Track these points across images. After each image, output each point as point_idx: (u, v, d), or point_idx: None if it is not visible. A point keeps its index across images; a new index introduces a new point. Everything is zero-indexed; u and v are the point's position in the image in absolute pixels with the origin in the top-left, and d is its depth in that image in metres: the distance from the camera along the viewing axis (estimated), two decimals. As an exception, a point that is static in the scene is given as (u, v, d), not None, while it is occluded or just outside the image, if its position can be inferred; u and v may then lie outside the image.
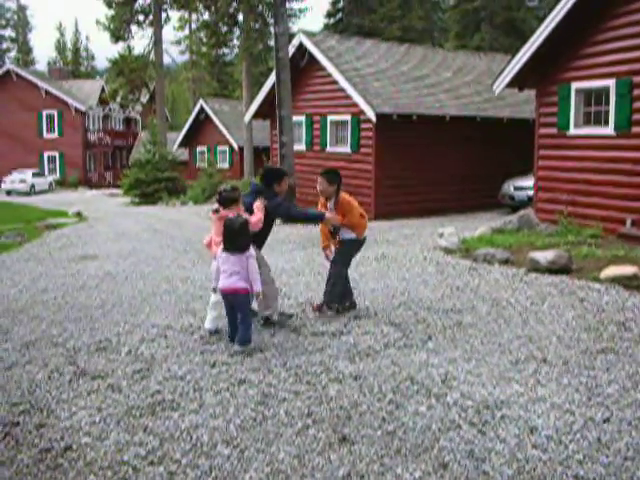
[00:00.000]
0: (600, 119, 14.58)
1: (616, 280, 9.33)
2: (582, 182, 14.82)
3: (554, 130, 15.52)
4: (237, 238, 7.16)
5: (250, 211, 7.74)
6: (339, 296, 8.50)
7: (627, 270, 9.33)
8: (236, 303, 7.30)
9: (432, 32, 57.55)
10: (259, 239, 7.97)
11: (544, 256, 10.28)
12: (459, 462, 4.58)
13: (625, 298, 8.66)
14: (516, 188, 19.73)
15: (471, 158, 21.76)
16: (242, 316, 7.27)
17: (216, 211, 7.77)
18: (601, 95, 14.46)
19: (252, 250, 7.28)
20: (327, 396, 5.83)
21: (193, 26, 54.74)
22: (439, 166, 21.23)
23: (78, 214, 26.19)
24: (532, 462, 4.53)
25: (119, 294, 10.45)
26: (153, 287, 10.85)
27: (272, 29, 19.07)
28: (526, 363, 6.39)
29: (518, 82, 16.37)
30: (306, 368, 6.55)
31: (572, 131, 15.04)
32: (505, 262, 11.10)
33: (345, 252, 8.54)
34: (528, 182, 17.79)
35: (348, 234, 8.41)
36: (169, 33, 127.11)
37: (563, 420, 5.12)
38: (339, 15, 51.20)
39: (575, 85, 14.92)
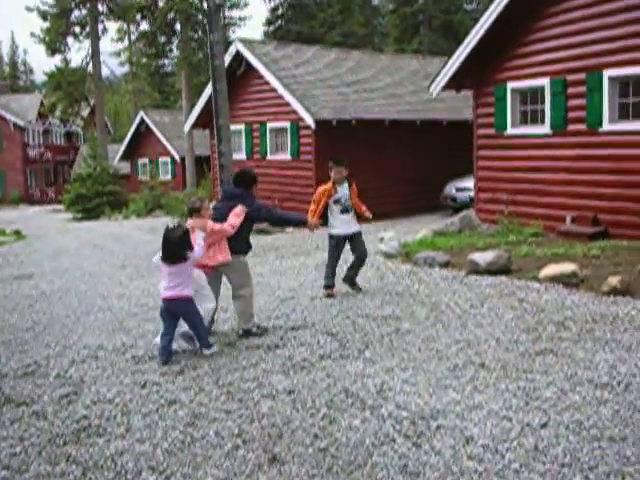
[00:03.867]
0: (537, 118, 14.61)
1: (555, 279, 9.26)
2: (521, 181, 14.84)
3: (492, 130, 15.53)
4: (175, 248, 7.07)
5: (224, 217, 7.70)
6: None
7: (566, 268, 9.27)
8: (182, 312, 7.25)
9: (373, 37, 57.66)
10: (241, 245, 7.87)
11: (483, 257, 10.18)
12: (392, 478, 4.38)
13: (564, 296, 8.59)
14: (458, 189, 19.74)
15: (413, 161, 21.74)
16: (192, 321, 7.25)
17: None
18: (537, 94, 14.50)
19: (194, 256, 7.22)
20: (259, 413, 5.60)
21: (133, 37, 54.32)
22: (381, 170, 21.14)
23: (16, 232, 25.54)
24: (467, 474, 4.35)
25: (52, 314, 10.11)
26: (88, 305, 10.51)
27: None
28: (464, 369, 6.23)
29: (455, 84, 16.35)
30: (239, 385, 6.32)
31: (509, 131, 15.06)
32: (445, 265, 10.98)
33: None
34: (469, 183, 17.79)
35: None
36: (108, 45, 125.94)
37: (500, 427, 4.96)
38: (278, 22, 51.00)
39: (511, 85, 14.95)
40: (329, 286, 9.73)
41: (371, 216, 9.87)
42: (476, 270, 10.19)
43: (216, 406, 5.87)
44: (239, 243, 7.81)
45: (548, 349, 6.61)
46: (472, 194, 17.03)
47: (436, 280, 10.08)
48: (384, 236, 12.99)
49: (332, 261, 9.73)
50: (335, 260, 9.75)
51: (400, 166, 21.52)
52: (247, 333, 7.92)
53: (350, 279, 9.85)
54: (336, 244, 9.69)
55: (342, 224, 9.56)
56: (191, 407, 5.89)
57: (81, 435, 5.49)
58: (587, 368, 6.02)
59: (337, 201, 9.48)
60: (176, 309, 7.24)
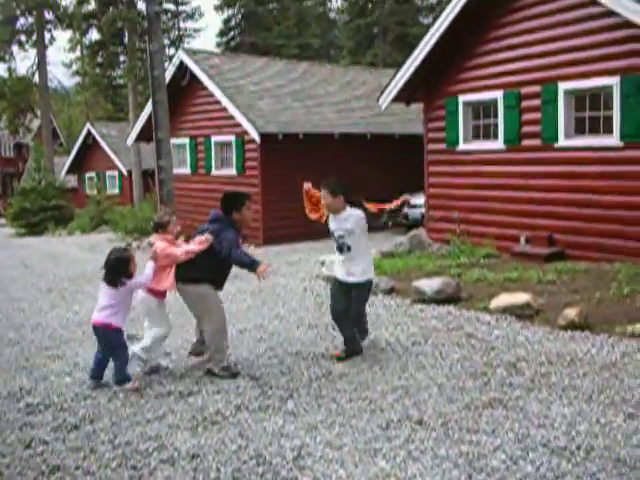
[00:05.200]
0: (489, 133, 13.88)
1: (507, 310, 8.43)
2: (474, 199, 14.09)
3: (443, 145, 14.78)
4: (110, 271, 6.74)
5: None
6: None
7: (519, 299, 8.44)
8: (106, 339, 6.82)
9: (329, 50, 57.06)
10: (198, 273, 6.86)
11: (430, 285, 9.32)
12: None
13: (517, 331, 7.75)
14: (410, 206, 18.95)
15: (364, 176, 20.83)
16: (114, 353, 6.83)
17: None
18: (490, 108, 13.77)
19: (132, 284, 6.81)
20: (152, 486, 4.65)
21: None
22: (331, 186, 20.25)
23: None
24: None
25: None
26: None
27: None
28: (399, 427, 5.32)
29: (405, 96, 15.57)
30: (137, 445, 5.36)
31: (461, 146, 14.30)
32: (389, 292, 10.11)
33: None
34: (421, 200, 17.00)
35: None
36: (60, 55, 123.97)
37: (435, 512, 4.07)
38: (232, 33, 50.12)
39: (463, 98, 14.21)
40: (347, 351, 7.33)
41: None
42: (422, 299, 9.35)
43: (104, 475, 4.92)
44: (196, 271, 6.82)
45: (497, 400, 5.73)
46: (424, 211, 16.25)
47: (378, 310, 9.18)
48: (325, 259, 12.07)
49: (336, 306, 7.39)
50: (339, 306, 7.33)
51: (350, 181, 20.48)
52: (209, 372, 7.02)
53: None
54: (334, 288, 7.47)
55: (339, 267, 7.36)
56: (75, 476, 4.93)
57: None
58: (542, 426, 5.15)
59: (331, 233, 7.36)
60: (100, 336, 6.85)
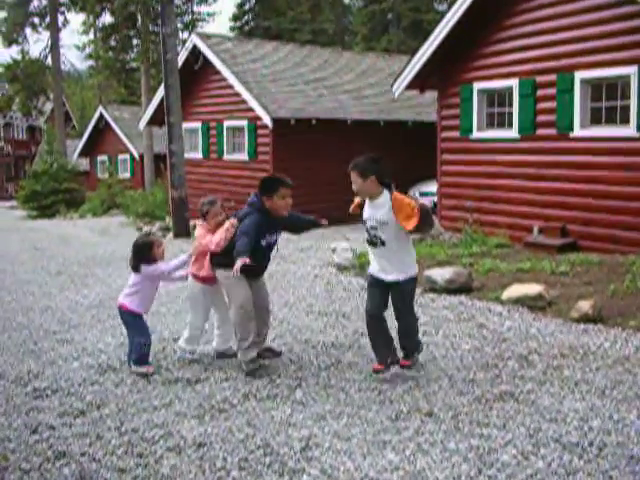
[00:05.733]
0: (504, 121, 13.73)
1: (520, 301, 8.33)
2: (487, 188, 13.97)
3: (457, 133, 14.63)
4: (133, 255, 6.89)
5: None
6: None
7: (531, 289, 8.34)
8: (121, 319, 7.05)
9: (343, 35, 56.70)
10: (224, 258, 6.39)
11: (441, 274, 9.22)
12: None
13: (529, 323, 7.65)
14: (422, 194, 18.84)
15: (376, 164, 20.78)
16: (128, 333, 7.02)
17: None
18: (505, 96, 13.62)
19: (150, 270, 6.81)
20: (157, 474, 4.60)
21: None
22: (342, 172, 20.00)
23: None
24: None
25: (-39, 332, 9.02)
26: (5, 321, 9.43)
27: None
28: (408, 418, 5.25)
29: (419, 83, 15.42)
30: (143, 433, 5.30)
31: (475, 134, 14.16)
32: (401, 281, 10.00)
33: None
34: (434, 187, 16.87)
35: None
36: (74, 37, 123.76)
37: (444, 507, 4.00)
38: (245, 18, 49.89)
39: (477, 86, 14.06)
40: (382, 361, 6.17)
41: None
42: (433, 288, 9.25)
43: (110, 462, 4.86)
44: (224, 256, 6.41)
45: (508, 393, 5.65)
46: (436, 199, 16.13)
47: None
48: (336, 246, 11.99)
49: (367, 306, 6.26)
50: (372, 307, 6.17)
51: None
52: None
53: (403, 349, 6.37)
54: (369, 284, 6.34)
55: (373, 260, 6.27)
56: (81, 462, 4.87)
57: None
58: (553, 420, 5.07)
59: (364, 222, 6.18)
60: (121, 316, 7.02)
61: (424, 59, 14.60)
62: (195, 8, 47.81)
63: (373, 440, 4.90)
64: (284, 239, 16.70)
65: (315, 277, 10.86)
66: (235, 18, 50.44)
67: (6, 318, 9.61)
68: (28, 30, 40.42)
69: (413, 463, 4.53)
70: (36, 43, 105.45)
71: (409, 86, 15.42)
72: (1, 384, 6.72)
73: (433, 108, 18.83)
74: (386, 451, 4.72)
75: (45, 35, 40.61)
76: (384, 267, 6.05)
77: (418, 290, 9.33)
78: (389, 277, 6.03)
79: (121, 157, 37.35)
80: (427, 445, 4.78)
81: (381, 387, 5.93)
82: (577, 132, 12.07)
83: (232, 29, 50.43)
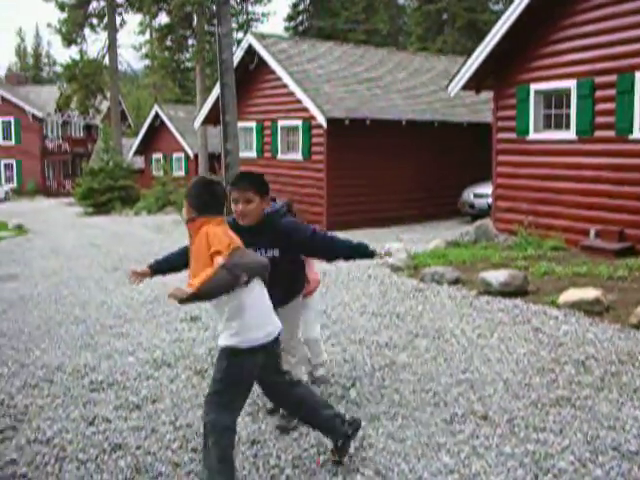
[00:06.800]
0: (561, 123, 13.54)
1: (576, 305, 8.20)
2: (543, 190, 13.78)
3: (513, 135, 14.47)
4: None
5: None
6: None
7: (588, 294, 8.21)
8: None
9: (397, 36, 56.55)
10: None
11: (496, 277, 9.12)
12: None
13: (586, 328, 7.52)
14: (476, 195, 18.71)
15: (430, 163, 20.68)
16: None
17: None
18: (562, 97, 13.43)
19: None
20: (213, 471, 4.63)
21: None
22: (396, 172, 20.10)
23: (19, 227, 24.76)
24: None
25: (23, 323, 9.28)
26: (63, 314, 9.64)
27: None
28: (463, 421, 5.21)
29: (474, 84, 15.30)
30: (198, 427, 5.33)
31: (532, 135, 13.99)
32: (455, 282, 9.93)
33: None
34: (488, 189, 16.72)
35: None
36: (130, 37, 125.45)
37: (500, 512, 3.96)
38: (300, 18, 50.06)
39: (534, 86, 13.88)
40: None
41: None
42: (488, 291, 9.15)
43: (165, 456, 4.93)
44: None
45: (565, 398, 5.57)
46: (490, 201, 15.98)
47: (443, 301, 9.03)
48: (391, 246, 11.93)
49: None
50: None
51: (416, 168, 20.46)
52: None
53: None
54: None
55: None
56: (136, 455, 4.96)
57: (3, 486, 4.60)
58: (611, 428, 4.98)
59: None
60: None
61: (480, 60, 14.48)
62: (250, 8, 48.16)
63: (427, 442, 4.88)
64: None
65: (369, 277, 10.84)
66: (289, 18, 50.67)
67: (64, 312, 9.82)
68: (87, 31, 41.15)
69: (468, 467, 4.50)
70: (94, 43, 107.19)
71: (465, 87, 15.32)
72: (59, 376, 6.86)
73: (488, 107, 18.70)
74: (441, 454, 4.69)
75: (103, 35, 41.39)
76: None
77: (473, 292, 9.31)
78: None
79: (176, 155, 37.81)
80: (482, 449, 4.74)
81: (436, 389, 5.90)
82: (637, 134, 11.84)
83: (286, 29, 50.67)
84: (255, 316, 4.25)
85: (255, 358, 4.25)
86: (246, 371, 4.25)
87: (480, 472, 4.41)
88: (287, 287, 5.16)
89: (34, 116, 54.80)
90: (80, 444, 5.21)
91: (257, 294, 4.30)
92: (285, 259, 4.98)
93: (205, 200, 4.22)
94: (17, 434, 5.47)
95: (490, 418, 5.25)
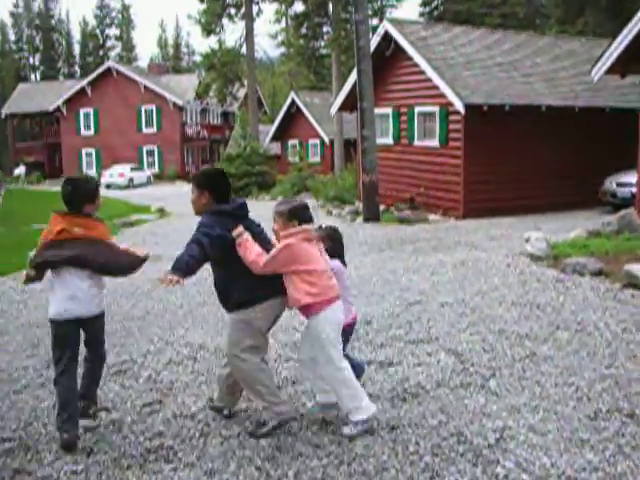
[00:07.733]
0: None
1: None
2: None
3: (661, 121, 13.85)
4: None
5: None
6: None
7: None
8: None
9: (534, 19, 54.90)
10: None
11: (642, 270, 8.80)
12: None
13: None
14: (619, 184, 18.00)
15: (570, 151, 20.04)
16: None
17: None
18: None
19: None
20: (351, 453, 4.72)
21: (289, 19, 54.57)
22: (534, 160, 19.59)
23: (160, 210, 25.77)
24: None
25: (166, 303, 9.73)
26: (204, 295, 9.98)
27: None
28: (607, 418, 5.08)
29: (620, 68, 14.73)
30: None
31: (682, 121, 13.37)
32: (598, 274, 9.62)
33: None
34: (632, 178, 16.06)
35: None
36: (265, 26, 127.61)
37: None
38: (435, 3, 49.50)
39: (686, 69, 13.25)
40: None
41: None
42: (634, 284, 8.82)
43: (305, 437, 5.05)
44: None
45: None
46: (635, 190, 15.35)
47: (585, 292, 8.79)
48: (530, 236, 11.71)
49: None
50: None
51: (555, 156, 19.85)
52: None
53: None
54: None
55: None
56: (277, 435, 5.07)
57: (149, 458, 4.85)
58: None
59: None
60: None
61: (625, 42, 13.95)
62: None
63: (570, 437, 4.79)
64: (472, 226, 16.56)
65: (507, 266, 10.67)
66: (425, 3, 50.20)
67: (204, 293, 10.09)
68: (225, 20, 42.09)
69: (613, 465, 4.38)
70: (232, 33, 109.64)
71: (609, 71, 14.78)
72: (202, 354, 7.15)
73: (635, 92, 17.95)
74: (584, 450, 4.59)
75: (240, 25, 42.21)
76: None
77: (617, 285, 9.00)
78: None
79: (311, 142, 38.28)
80: (629, 448, 4.60)
81: (579, 383, 5.77)
82: None
83: (421, 14, 50.24)
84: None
85: None
86: None
87: (627, 472, 4.29)
88: (219, 293, 5.44)
89: (174, 104, 56.69)
90: (223, 421, 5.40)
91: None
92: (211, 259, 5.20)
93: None
94: (163, 408, 5.74)
95: (637, 416, 5.08)
